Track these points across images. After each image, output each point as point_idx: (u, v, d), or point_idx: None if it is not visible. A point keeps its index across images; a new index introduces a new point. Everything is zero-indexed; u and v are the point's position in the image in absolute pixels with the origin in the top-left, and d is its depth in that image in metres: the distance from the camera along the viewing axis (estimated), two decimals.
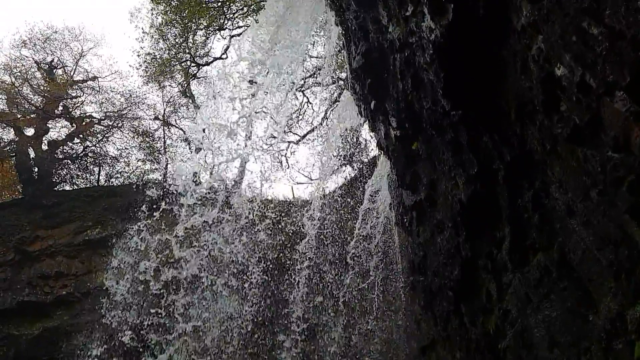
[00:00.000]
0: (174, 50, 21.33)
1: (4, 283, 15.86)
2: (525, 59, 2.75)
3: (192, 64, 22.01)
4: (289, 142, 21.98)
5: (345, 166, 18.49)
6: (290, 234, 13.62)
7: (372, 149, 17.64)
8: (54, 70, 22.75)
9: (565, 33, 2.28)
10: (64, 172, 21.76)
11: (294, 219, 13.67)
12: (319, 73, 20.05)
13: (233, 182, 16.98)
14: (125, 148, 22.72)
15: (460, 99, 3.50)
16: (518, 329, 3.37)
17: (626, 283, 2.27)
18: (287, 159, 22.28)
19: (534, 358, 3.17)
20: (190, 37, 21.35)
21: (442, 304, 4.78)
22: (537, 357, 3.12)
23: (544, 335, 3.03)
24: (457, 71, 3.41)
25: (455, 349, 4.55)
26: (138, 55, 21.53)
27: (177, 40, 21.26)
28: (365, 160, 16.71)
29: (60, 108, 21.80)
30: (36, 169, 19.67)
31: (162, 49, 21.44)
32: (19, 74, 21.74)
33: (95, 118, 22.19)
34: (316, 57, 20.34)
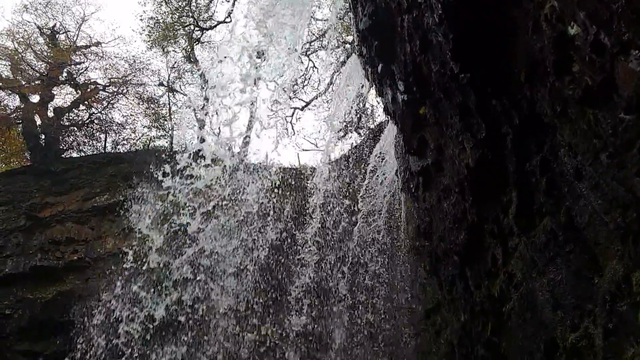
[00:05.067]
0: (177, 14, 20.98)
1: (17, 248, 16.19)
2: (537, 18, 2.66)
3: (196, 28, 21.65)
4: (294, 108, 21.81)
5: (352, 132, 18.39)
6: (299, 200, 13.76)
7: (378, 115, 17.50)
8: (57, 36, 22.43)
9: None
10: (71, 139, 21.77)
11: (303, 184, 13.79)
12: (325, 36, 19.67)
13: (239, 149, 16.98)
14: (131, 115, 22.60)
15: (470, 61, 3.42)
16: (523, 292, 3.40)
17: (633, 246, 2.27)
18: (292, 126, 22.16)
19: (537, 320, 3.21)
20: (193, 0, 20.94)
21: (447, 269, 4.82)
22: (541, 319, 3.16)
23: (548, 298, 3.06)
24: (467, 32, 3.32)
25: (459, 312, 4.62)
26: (141, 19, 21.24)
27: (180, 3, 20.87)
28: (372, 126, 16.59)
29: (65, 74, 21.63)
30: (43, 136, 19.71)
31: (165, 12, 21.10)
32: (21, 39, 21.49)
33: (99, 84, 22.03)
34: (322, 20, 19.94)
